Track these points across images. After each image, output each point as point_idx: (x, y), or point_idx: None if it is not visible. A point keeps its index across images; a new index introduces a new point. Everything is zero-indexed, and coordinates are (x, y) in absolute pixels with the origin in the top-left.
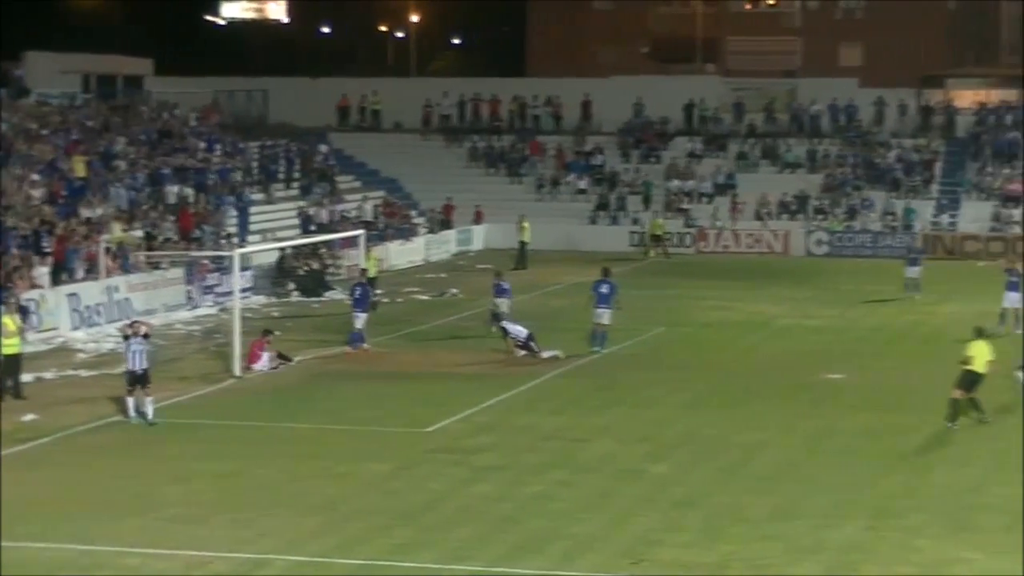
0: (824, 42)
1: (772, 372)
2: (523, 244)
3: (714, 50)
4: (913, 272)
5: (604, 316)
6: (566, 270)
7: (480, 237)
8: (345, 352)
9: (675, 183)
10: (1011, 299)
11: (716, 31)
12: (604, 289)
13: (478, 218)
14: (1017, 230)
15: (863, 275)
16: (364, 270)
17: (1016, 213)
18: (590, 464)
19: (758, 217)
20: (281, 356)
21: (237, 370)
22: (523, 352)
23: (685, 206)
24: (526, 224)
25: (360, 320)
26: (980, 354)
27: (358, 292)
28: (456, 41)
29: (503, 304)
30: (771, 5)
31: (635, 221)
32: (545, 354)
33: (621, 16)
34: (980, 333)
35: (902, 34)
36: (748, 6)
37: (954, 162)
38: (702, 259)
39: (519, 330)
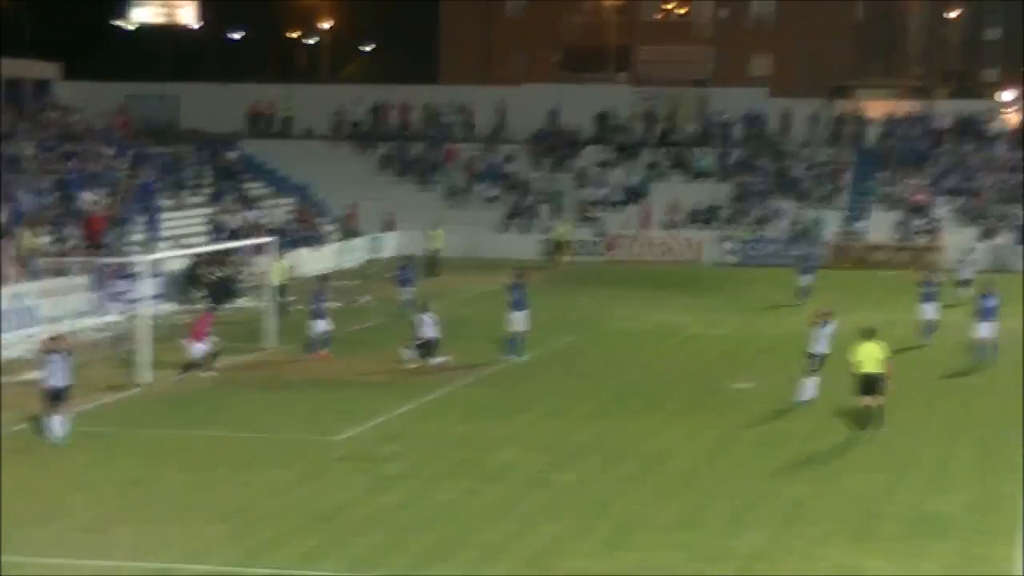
0: (735, 51)
1: (679, 380)
2: (435, 251)
3: (626, 59)
4: (806, 280)
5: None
6: (478, 278)
7: (391, 244)
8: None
9: (586, 191)
10: (925, 310)
11: (627, 40)
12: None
13: (388, 226)
14: (924, 240)
15: (772, 284)
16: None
17: (923, 223)
18: (496, 472)
19: (668, 226)
20: (213, 357)
21: (145, 378)
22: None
23: (596, 214)
24: (438, 232)
25: (319, 325)
26: (869, 355)
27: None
28: (367, 48)
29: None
30: (682, 15)
31: (546, 229)
32: (435, 361)
33: (533, 25)
34: (867, 335)
35: (812, 44)
36: (659, 15)
37: (863, 172)
38: (612, 267)
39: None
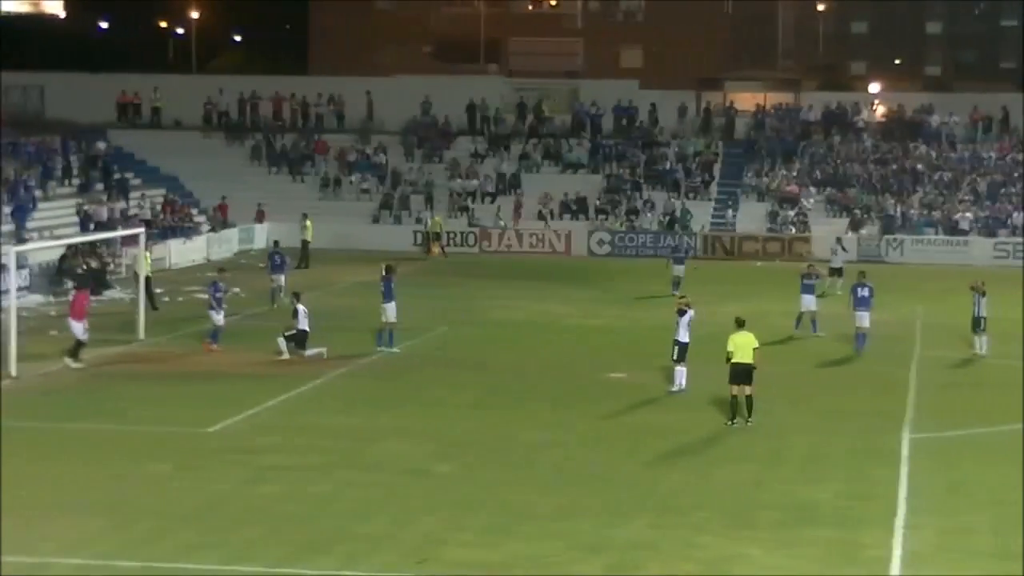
0: (605, 44)
1: (556, 371)
2: (305, 243)
3: (497, 51)
4: (678, 271)
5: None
6: (349, 269)
7: (263, 236)
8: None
9: (458, 183)
10: (807, 302)
11: (499, 32)
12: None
13: (260, 217)
14: (793, 231)
15: (644, 275)
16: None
17: (792, 214)
18: (375, 463)
19: (540, 217)
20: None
21: (13, 370)
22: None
23: (468, 205)
24: (309, 223)
25: (217, 317)
26: (742, 345)
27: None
28: (237, 38)
29: None
30: (553, 7)
31: (418, 220)
32: (309, 353)
33: (404, 16)
34: (740, 324)
35: (682, 37)
36: (530, 7)
37: (733, 164)
38: (485, 258)
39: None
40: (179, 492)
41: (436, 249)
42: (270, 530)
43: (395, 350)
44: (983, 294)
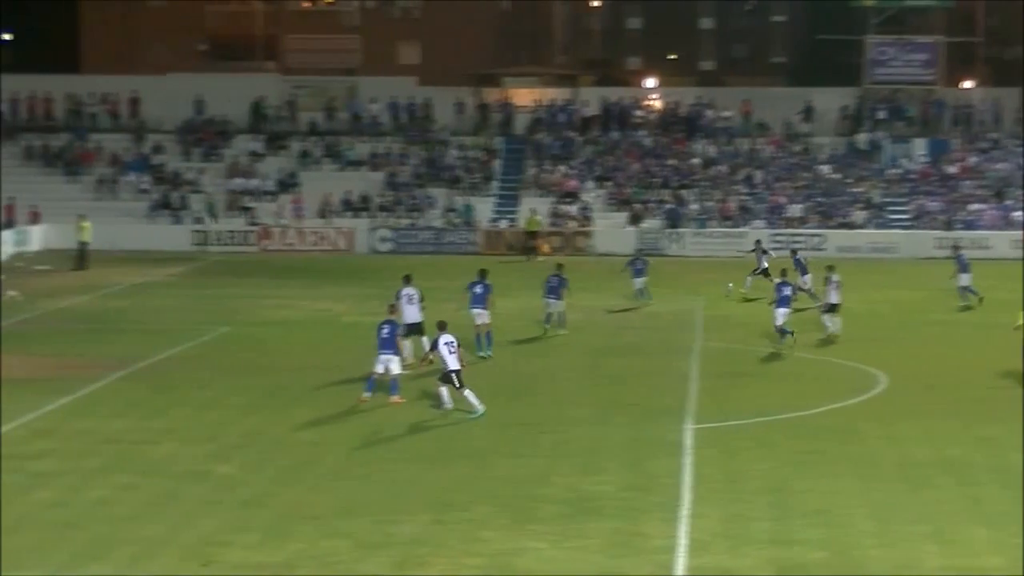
0: (383, 40)
1: (332, 370)
2: (83, 244)
3: (273, 48)
4: (639, 283)
5: (483, 316)
6: (128, 270)
7: (38, 237)
8: None
9: (237, 181)
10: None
11: (275, 29)
12: (478, 290)
13: (34, 218)
14: (574, 225)
15: (427, 271)
16: None
17: (573, 209)
18: (153, 467)
19: (321, 215)
20: None
21: None
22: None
23: (248, 205)
24: (86, 224)
25: None
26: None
27: None
28: (5, 36)
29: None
30: (329, 3)
31: (198, 220)
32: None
33: (176, 13)
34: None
35: (458, 33)
36: (306, 4)
37: (513, 159)
38: (266, 257)
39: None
40: None
41: (546, 247)
42: (46, 536)
43: (489, 353)
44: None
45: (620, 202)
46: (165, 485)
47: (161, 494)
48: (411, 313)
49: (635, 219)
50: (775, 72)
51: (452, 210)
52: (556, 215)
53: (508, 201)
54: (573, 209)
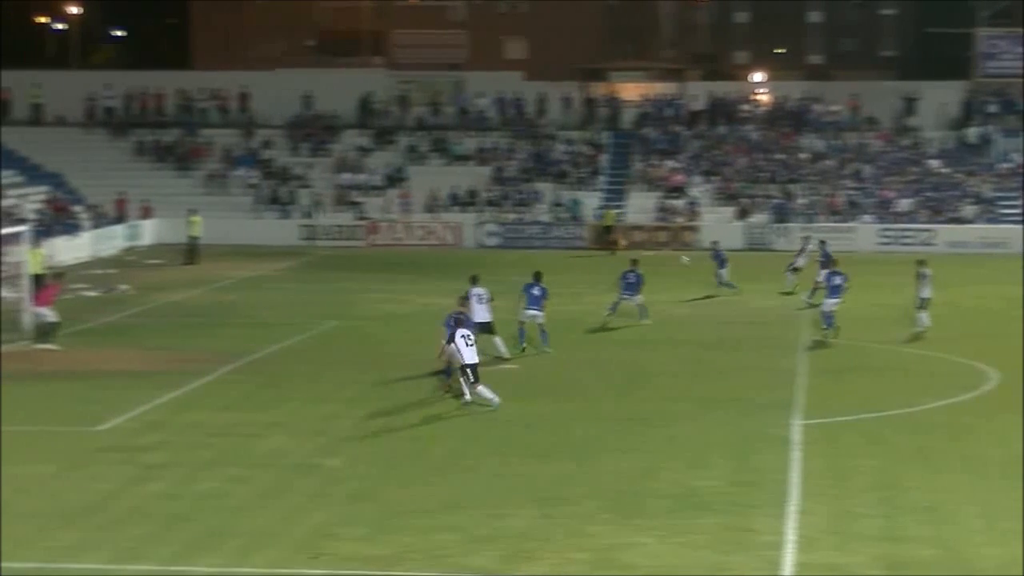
0: (489, 35)
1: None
2: (193, 239)
3: (381, 43)
4: (723, 275)
5: (538, 317)
6: (237, 264)
7: (150, 232)
8: None
9: (345, 176)
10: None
11: (382, 24)
12: (536, 291)
13: (145, 213)
14: (682, 220)
15: (533, 266)
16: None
17: (680, 204)
18: (263, 459)
19: (429, 210)
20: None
21: None
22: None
23: (355, 199)
24: (196, 218)
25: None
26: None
27: None
28: (118, 33)
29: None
30: None
31: (306, 215)
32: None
33: (285, 9)
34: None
35: (564, 28)
36: (413, 0)
37: (619, 154)
38: (373, 252)
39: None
40: (64, 492)
41: (622, 241)
42: (158, 528)
43: (549, 349)
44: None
45: (727, 197)
46: (275, 478)
47: (271, 487)
48: (481, 313)
49: (742, 214)
50: (884, 66)
51: (559, 205)
52: (663, 210)
53: (615, 196)
54: (680, 204)
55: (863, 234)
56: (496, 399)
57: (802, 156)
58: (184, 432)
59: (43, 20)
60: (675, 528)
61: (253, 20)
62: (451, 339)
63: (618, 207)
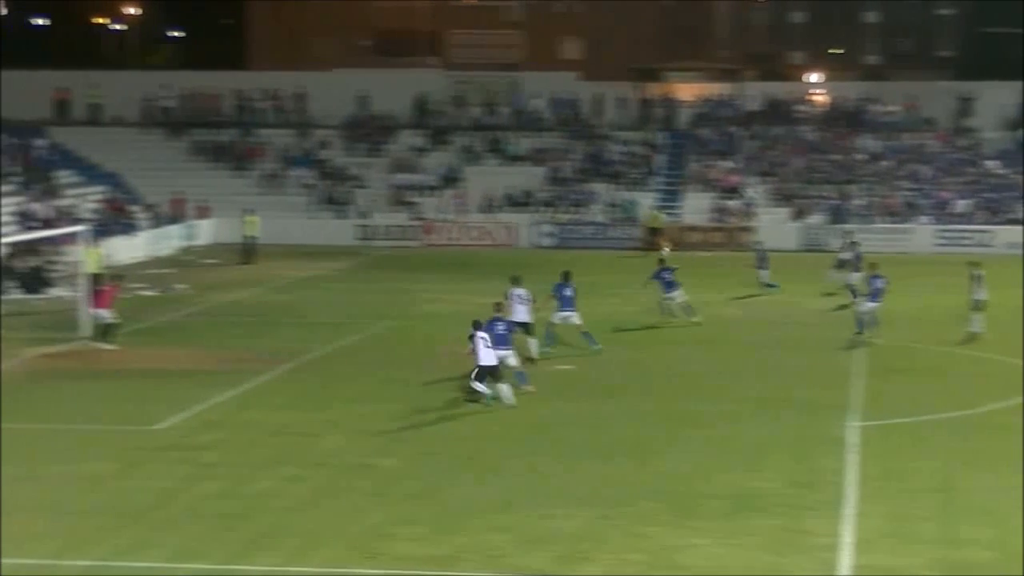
0: (545, 36)
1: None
2: (250, 238)
3: (436, 44)
4: (764, 276)
5: (572, 318)
6: (293, 264)
7: (207, 231)
8: None
9: (401, 177)
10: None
11: (438, 25)
12: (568, 292)
13: (201, 213)
14: (737, 220)
15: (590, 266)
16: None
17: (735, 204)
18: (319, 459)
19: (484, 210)
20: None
21: None
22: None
23: (411, 200)
24: (253, 218)
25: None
26: None
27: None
28: (175, 34)
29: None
30: None
31: (361, 215)
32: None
33: (341, 10)
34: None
35: (620, 28)
36: (469, 0)
37: (675, 154)
38: (428, 252)
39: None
40: (123, 491)
41: (666, 243)
42: (215, 527)
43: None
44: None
45: (783, 197)
46: (331, 477)
47: (327, 486)
48: (521, 313)
49: (798, 215)
50: (941, 66)
51: (614, 205)
52: (718, 211)
53: (670, 196)
54: (735, 204)
55: (920, 235)
56: (511, 399)
57: (858, 157)
58: (241, 431)
59: (101, 21)
60: (731, 529)
61: (309, 20)
62: (472, 341)
63: (670, 208)
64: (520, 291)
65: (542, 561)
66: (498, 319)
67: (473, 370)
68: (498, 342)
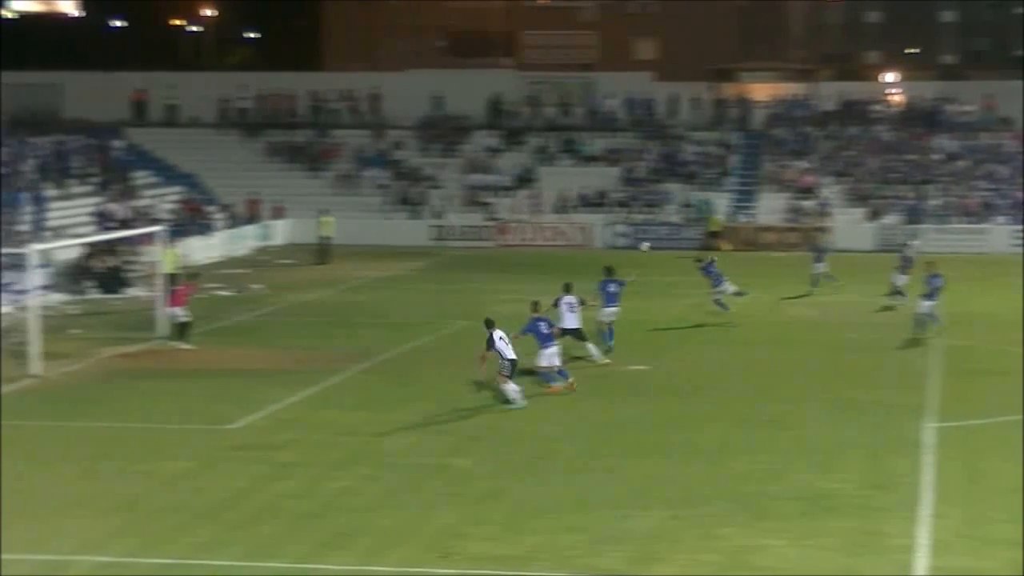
0: (619, 36)
1: (572, 364)
2: (325, 239)
3: (511, 44)
4: (820, 267)
5: (613, 314)
6: (368, 265)
7: (282, 232)
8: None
9: (475, 177)
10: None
11: (512, 25)
12: (612, 288)
13: (277, 213)
14: (812, 221)
15: (663, 266)
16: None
17: (811, 205)
18: (393, 459)
19: (558, 210)
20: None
21: (36, 369)
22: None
23: (485, 200)
24: (328, 219)
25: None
26: None
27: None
28: (251, 35)
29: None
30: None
31: (436, 215)
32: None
33: (415, 11)
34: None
35: (695, 28)
36: (543, 1)
37: (749, 154)
38: (503, 252)
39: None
40: (199, 489)
41: (725, 245)
42: (290, 526)
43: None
44: None
45: (858, 198)
46: (405, 477)
47: (401, 486)
48: (571, 320)
49: (874, 215)
50: (1018, 65)
51: (688, 205)
52: (793, 211)
53: (745, 196)
54: (810, 205)
55: (997, 235)
56: (522, 402)
57: (935, 157)
58: (316, 430)
59: (178, 23)
60: (806, 530)
61: (383, 21)
62: (490, 344)
63: (745, 208)
64: (570, 298)
65: (615, 561)
66: (540, 318)
67: (500, 369)
68: (545, 340)
